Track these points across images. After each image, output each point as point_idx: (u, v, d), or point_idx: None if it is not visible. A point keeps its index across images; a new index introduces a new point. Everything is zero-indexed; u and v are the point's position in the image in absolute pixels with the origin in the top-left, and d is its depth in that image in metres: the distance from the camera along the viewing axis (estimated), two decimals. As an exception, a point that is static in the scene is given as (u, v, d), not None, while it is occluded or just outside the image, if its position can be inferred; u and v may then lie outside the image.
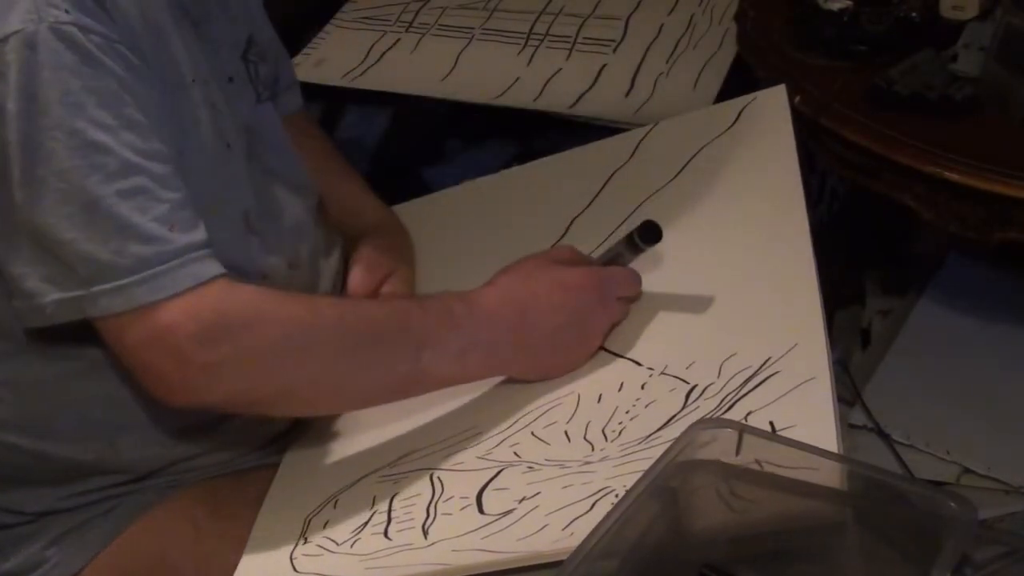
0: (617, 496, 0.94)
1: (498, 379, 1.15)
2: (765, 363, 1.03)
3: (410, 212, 1.42)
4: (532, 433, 1.08)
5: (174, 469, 1.16)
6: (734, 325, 1.10)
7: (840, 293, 1.74)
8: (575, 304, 1.11)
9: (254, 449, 1.19)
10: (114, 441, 1.13)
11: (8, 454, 1.13)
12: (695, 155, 1.32)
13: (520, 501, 1.00)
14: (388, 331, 1.07)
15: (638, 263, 1.19)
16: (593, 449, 1.03)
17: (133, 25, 1.02)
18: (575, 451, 1.03)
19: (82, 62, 0.96)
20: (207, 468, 1.17)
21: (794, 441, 0.93)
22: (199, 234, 1.00)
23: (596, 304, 1.12)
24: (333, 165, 1.39)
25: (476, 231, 1.41)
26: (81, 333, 1.05)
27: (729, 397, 1.02)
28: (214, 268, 1.00)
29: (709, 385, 1.04)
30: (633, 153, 1.38)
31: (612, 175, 1.36)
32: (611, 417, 1.05)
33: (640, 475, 0.91)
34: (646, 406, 1.05)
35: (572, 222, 1.32)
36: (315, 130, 1.42)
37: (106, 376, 1.10)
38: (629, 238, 1.15)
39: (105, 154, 0.97)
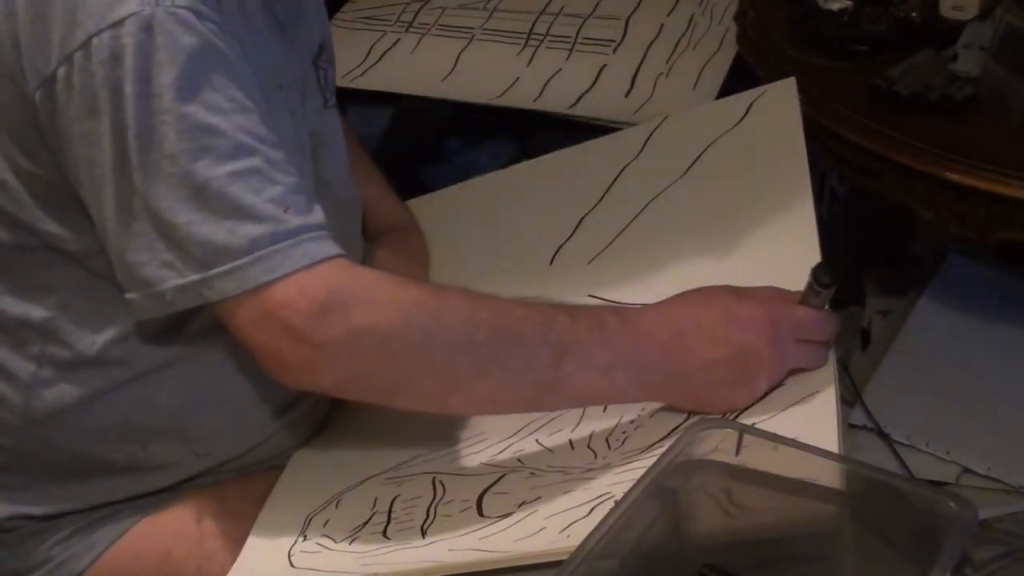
0: (616, 502, 0.94)
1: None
2: None
3: (417, 209, 1.42)
4: (537, 441, 1.07)
5: (201, 474, 1.16)
6: None
7: (840, 293, 1.74)
8: (741, 340, 1.02)
9: (286, 452, 1.19)
10: (147, 444, 1.13)
11: (43, 450, 1.13)
12: (705, 150, 1.32)
13: (520, 505, 1.00)
14: (526, 331, 1.00)
15: (642, 265, 1.18)
16: (595, 457, 1.03)
17: (236, 22, 1.02)
18: (578, 458, 1.03)
19: (198, 46, 0.96)
20: (227, 473, 1.17)
21: (794, 441, 0.93)
22: (315, 216, 0.99)
23: (765, 345, 1.02)
24: (358, 164, 1.38)
25: (484, 228, 1.40)
26: (133, 343, 1.06)
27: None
28: (330, 248, 0.98)
29: None
30: (643, 148, 1.38)
31: (622, 170, 1.36)
32: (615, 426, 1.05)
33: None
34: (650, 416, 1.05)
35: (582, 219, 1.32)
36: (344, 127, 1.42)
37: (149, 383, 1.10)
38: (807, 284, 1.06)
39: (217, 136, 0.96)
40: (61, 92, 0.97)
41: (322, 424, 1.22)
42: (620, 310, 1.06)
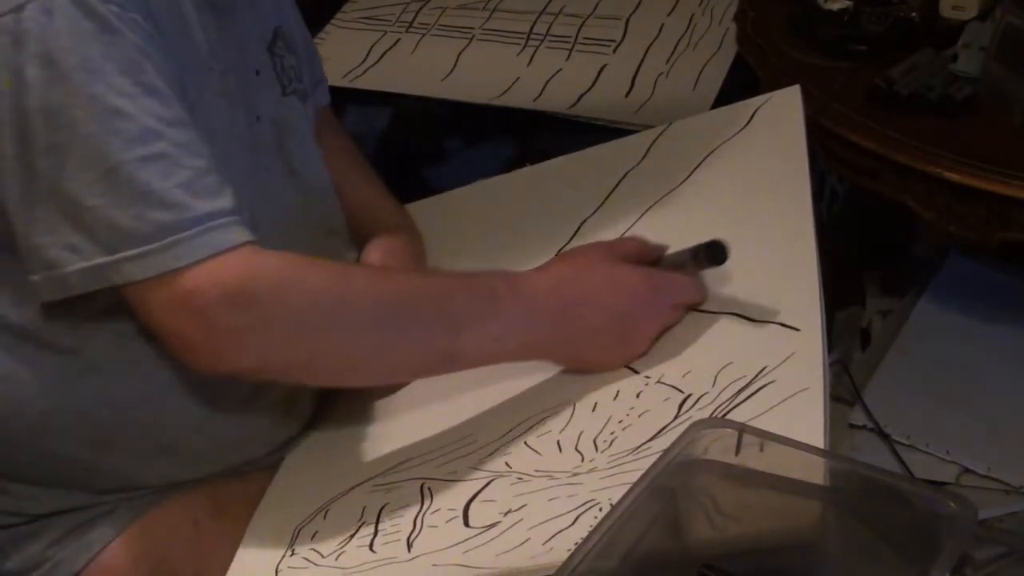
0: (601, 510, 0.94)
1: (496, 385, 1.14)
2: (760, 372, 1.02)
3: (419, 212, 1.41)
4: (525, 443, 1.07)
5: (186, 477, 1.16)
6: (732, 332, 1.09)
7: (840, 293, 1.74)
8: (624, 306, 1.09)
9: (258, 457, 1.19)
10: (111, 440, 1.12)
11: (13, 452, 1.12)
12: (707, 156, 1.32)
13: (505, 514, 0.99)
14: (425, 307, 1.05)
15: None
16: (583, 460, 1.02)
17: (151, 3, 1.02)
18: (565, 462, 1.03)
19: (100, 30, 0.96)
20: (215, 475, 1.17)
21: (794, 441, 0.93)
22: (224, 201, 0.99)
23: (647, 309, 1.10)
24: (352, 163, 1.38)
25: (485, 232, 1.40)
26: (82, 330, 1.05)
27: (722, 407, 1.01)
28: (239, 235, 0.99)
29: (703, 395, 1.03)
30: (646, 153, 1.37)
31: (624, 176, 1.36)
32: (603, 427, 1.05)
33: (627, 488, 0.90)
34: (639, 416, 1.04)
35: (582, 224, 1.32)
36: (338, 126, 1.41)
37: (107, 373, 1.09)
38: (694, 252, 1.12)
39: (126, 120, 0.96)
40: None
41: (309, 422, 1.21)
42: (511, 278, 1.10)
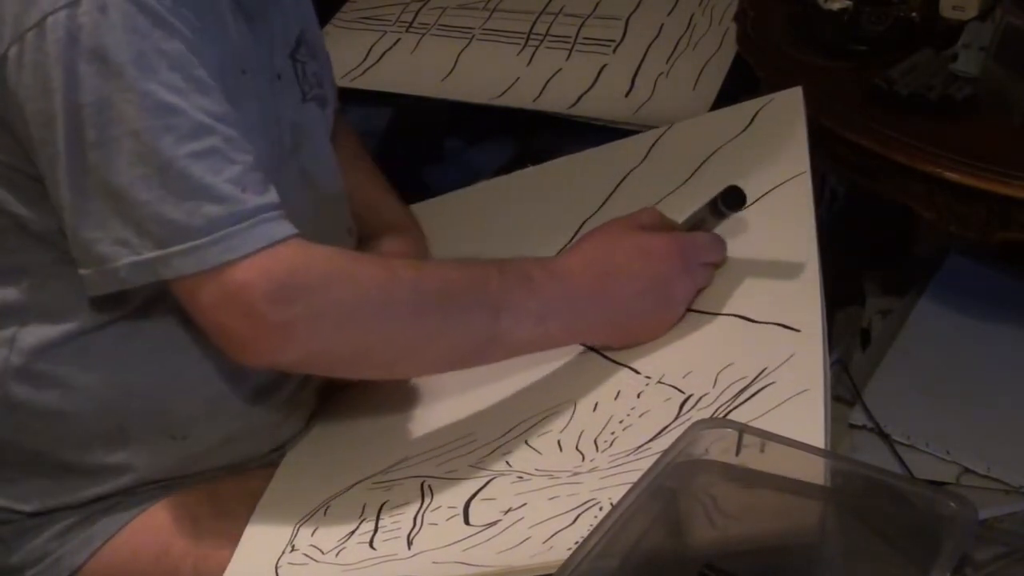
0: (601, 509, 0.94)
1: (496, 384, 1.14)
2: (761, 373, 1.02)
3: (421, 213, 1.42)
4: (526, 442, 1.07)
5: (190, 473, 1.16)
6: (733, 333, 1.09)
7: (840, 293, 1.74)
8: (656, 270, 1.11)
9: (272, 446, 1.20)
10: (125, 430, 1.12)
11: (24, 439, 1.12)
12: (708, 158, 1.32)
13: (506, 512, 0.99)
14: (466, 293, 1.06)
15: None
16: (583, 459, 1.02)
17: (197, 1, 1.03)
18: (565, 461, 1.03)
19: (153, 24, 0.97)
20: (219, 471, 1.17)
21: (794, 441, 0.93)
22: (271, 196, 1.00)
23: (679, 270, 1.12)
24: (359, 163, 1.38)
25: (486, 233, 1.40)
26: (107, 326, 1.07)
27: (722, 408, 1.01)
28: (287, 229, 1.00)
29: (704, 395, 1.03)
30: (647, 155, 1.38)
31: (625, 177, 1.36)
32: (604, 427, 1.05)
33: (627, 487, 0.90)
34: (640, 416, 1.05)
35: (583, 224, 1.32)
36: (346, 126, 1.42)
37: (123, 366, 1.10)
38: (712, 203, 1.14)
39: (178, 116, 0.97)
40: (12, 72, 0.97)
41: (310, 420, 1.22)
42: (542, 262, 1.12)
